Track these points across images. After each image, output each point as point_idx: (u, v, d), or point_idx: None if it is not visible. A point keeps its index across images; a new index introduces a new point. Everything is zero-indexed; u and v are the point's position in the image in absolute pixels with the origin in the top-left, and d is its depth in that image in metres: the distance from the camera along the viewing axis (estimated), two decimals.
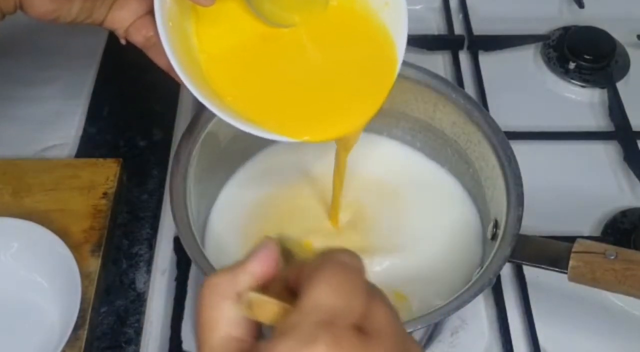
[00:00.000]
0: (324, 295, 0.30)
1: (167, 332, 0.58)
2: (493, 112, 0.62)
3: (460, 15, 0.84)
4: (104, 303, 0.60)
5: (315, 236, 0.58)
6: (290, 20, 0.51)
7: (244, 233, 0.59)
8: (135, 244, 0.64)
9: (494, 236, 0.55)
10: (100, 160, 0.66)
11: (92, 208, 0.62)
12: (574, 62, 0.78)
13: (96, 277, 0.58)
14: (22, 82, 0.75)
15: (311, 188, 0.62)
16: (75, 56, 0.78)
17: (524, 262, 0.53)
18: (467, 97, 0.59)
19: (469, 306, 0.48)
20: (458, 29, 0.82)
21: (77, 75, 0.76)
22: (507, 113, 0.68)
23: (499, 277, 0.60)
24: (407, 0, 0.49)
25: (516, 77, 0.79)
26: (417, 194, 0.62)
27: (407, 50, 0.50)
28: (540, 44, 0.81)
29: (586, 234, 0.64)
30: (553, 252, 0.51)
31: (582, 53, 0.78)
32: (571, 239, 0.51)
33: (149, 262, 0.62)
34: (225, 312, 0.32)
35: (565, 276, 0.50)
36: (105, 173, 0.65)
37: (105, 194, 0.64)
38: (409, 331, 0.46)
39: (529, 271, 0.60)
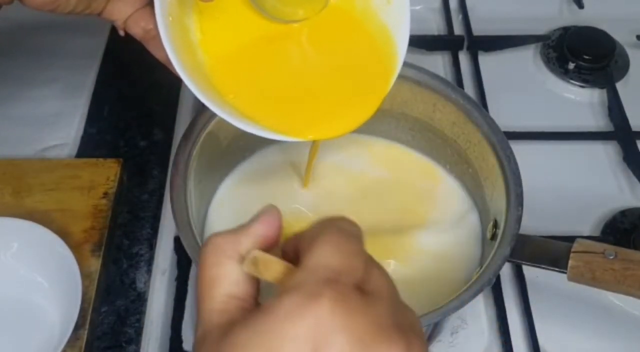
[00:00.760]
0: (328, 254, 0.31)
1: (168, 332, 0.58)
2: (493, 112, 0.62)
3: (460, 16, 0.84)
4: (104, 303, 0.60)
5: None
6: (292, 16, 0.51)
7: None
8: (136, 244, 0.64)
9: (493, 236, 0.55)
10: (101, 160, 0.66)
11: (92, 208, 0.63)
12: (573, 62, 0.78)
13: (97, 277, 0.58)
14: (22, 82, 0.75)
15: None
16: (76, 56, 0.78)
17: (523, 262, 0.54)
18: (467, 97, 0.59)
19: (469, 305, 0.48)
20: (458, 29, 0.82)
21: (78, 75, 0.76)
22: (506, 113, 0.68)
23: (498, 277, 0.60)
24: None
25: (516, 78, 0.79)
26: (416, 194, 0.62)
27: (406, 50, 0.50)
28: (539, 44, 0.81)
29: (586, 234, 0.64)
30: (552, 252, 0.51)
31: (581, 53, 0.78)
32: (571, 239, 0.51)
33: (150, 262, 0.63)
34: (227, 270, 0.33)
35: (564, 275, 0.50)
36: (106, 173, 0.65)
37: (105, 194, 0.64)
38: None
39: (529, 271, 0.61)
